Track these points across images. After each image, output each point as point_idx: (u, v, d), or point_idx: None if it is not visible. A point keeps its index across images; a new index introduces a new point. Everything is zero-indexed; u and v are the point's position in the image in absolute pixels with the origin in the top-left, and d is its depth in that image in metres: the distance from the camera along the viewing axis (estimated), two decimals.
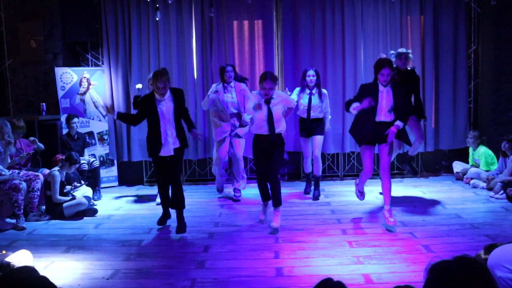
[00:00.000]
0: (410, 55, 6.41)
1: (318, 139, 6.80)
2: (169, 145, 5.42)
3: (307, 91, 6.68)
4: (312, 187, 7.06)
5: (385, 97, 5.22)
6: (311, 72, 6.66)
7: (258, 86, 7.96)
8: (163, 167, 5.54)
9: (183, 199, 5.55)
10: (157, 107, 5.38)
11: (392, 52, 6.60)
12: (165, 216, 5.78)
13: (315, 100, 6.66)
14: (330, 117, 6.95)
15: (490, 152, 7.46)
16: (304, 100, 6.69)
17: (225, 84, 6.73)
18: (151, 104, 5.39)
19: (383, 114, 5.26)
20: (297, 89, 6.81)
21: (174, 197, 5.54)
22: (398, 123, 5.23)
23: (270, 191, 5.52)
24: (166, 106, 5.40)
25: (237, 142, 6.84)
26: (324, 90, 6.84)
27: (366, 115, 5.22)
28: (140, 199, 7.21)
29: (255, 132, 5.48)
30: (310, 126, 6.72)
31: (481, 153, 7.45)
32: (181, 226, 5.47)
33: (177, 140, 5.47)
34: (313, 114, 6.69)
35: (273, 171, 5.38)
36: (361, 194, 6.05)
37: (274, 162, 5.38)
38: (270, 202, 5.60)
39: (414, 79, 6.42)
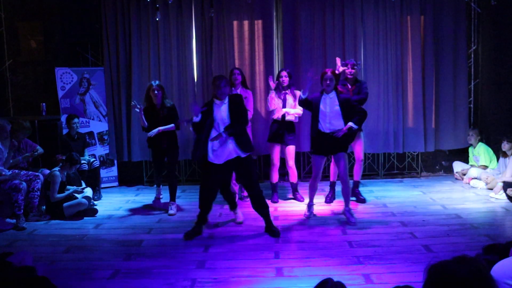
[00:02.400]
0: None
1: (291, 149, 6.55)
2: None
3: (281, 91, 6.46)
4: (292, 190, 6.83)
5: (329, 103, 5.29)
6: (284, 73, 6.45)
7: (258, 86, 8.13)
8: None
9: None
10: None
11: (359, 62, 6.80)
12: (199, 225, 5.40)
13: (290, 101, 6.44)
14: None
15: (490, 149, 7.57)
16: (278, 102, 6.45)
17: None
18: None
19: (328, 122, 5.43)
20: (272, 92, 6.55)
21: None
22: (351, 124, 5.46)
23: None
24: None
25: None
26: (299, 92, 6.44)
27: (313, 122, 5.46)
28: (140, 199, 7.21)
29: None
30: (282, 131, 6.44)
31: (481, 150, 7.57)
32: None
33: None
34: (287, 117, 6.44)
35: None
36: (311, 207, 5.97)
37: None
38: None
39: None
